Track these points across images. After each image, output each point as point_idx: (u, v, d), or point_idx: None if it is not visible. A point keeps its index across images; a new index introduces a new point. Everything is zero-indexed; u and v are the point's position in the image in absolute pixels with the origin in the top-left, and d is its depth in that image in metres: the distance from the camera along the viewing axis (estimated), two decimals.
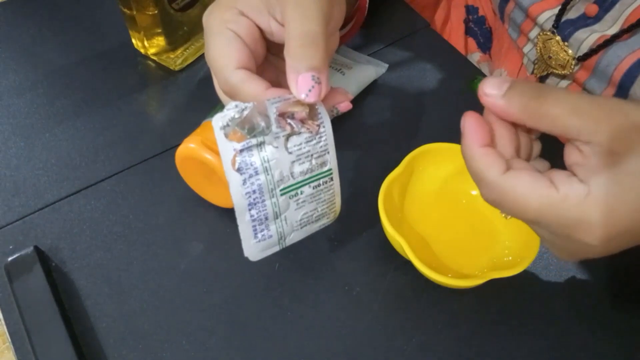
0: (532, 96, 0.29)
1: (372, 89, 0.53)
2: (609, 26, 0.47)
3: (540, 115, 0.28)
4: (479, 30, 0.66)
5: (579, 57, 0.49)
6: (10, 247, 0.42)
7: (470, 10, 0.66)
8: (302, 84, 0.31)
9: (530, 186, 0.28)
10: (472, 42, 0.67)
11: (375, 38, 0.57)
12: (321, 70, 0.32)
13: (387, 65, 0.54)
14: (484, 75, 0.32)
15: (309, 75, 0.31)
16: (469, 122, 0.31)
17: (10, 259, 0.40)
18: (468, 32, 0.67)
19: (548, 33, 0.51)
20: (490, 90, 0.30)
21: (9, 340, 0.38)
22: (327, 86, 0.32)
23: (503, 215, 0.34)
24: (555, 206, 0.28)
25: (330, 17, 0.34)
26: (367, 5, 0.49)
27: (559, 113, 0.28)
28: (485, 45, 0.66)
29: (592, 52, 0.48)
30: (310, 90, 0.31)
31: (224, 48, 0.33)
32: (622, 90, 0.47)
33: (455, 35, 0.67)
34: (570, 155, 0.29)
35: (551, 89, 0.29)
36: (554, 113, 0.28)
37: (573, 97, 0.28)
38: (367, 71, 0.52)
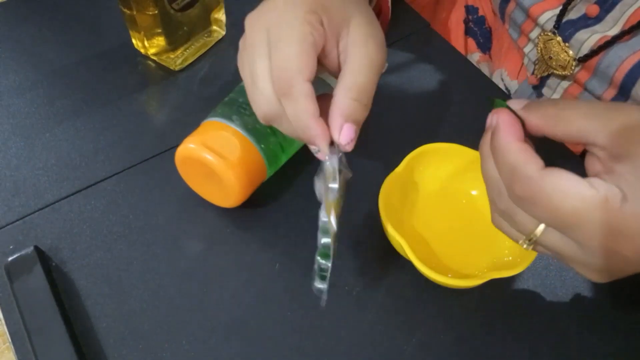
0: (551, 104, 0.30)
1: None
2: (610, 27, 0.47)
3: (558, 118, 0.29)
4: (479, 30, 0.66)
5: (579, 58, 0.49)
6: (10, 247, 0.42)
7: (470, 10, 0.67)
8: (346, 133, 0.33)
9: (572, 184, 0.27)
10: (472, 42, 0.67)
11: None
12: (360, 126, 0.34)
13: (386, 64, 0.54)
14: (502, 98, 0.32)
15: (353, 127, 0.33)
16: (503, 117, 0.30)
17: (10, 259, 0.40)
18: (468, 32, 0.67)
19: (549, 34, 0.51)
20: (514, 106, 0.31)
21: (9, 340, 0.38)
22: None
23: (523, 245, 0.31)
24: (597, 207, 0.26)
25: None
26: (390, 7, 0.50)
27: (574, 116, 0.29)
28: (485, 45, 0.66)
29: (593, 53, 0.47)
30: (351, 140, 0.33)
31: (303, 53, 0.33)
32: (624, 91, 0.47)
33: (455, 35, 0.67)
34: (591, 165, 0.30)
35: (569, 100, 0.31)
36: (570, 116, 0.29)
37: (587, 103, 0.29)
38: None
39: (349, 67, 0.34)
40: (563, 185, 0.27)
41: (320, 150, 0.34)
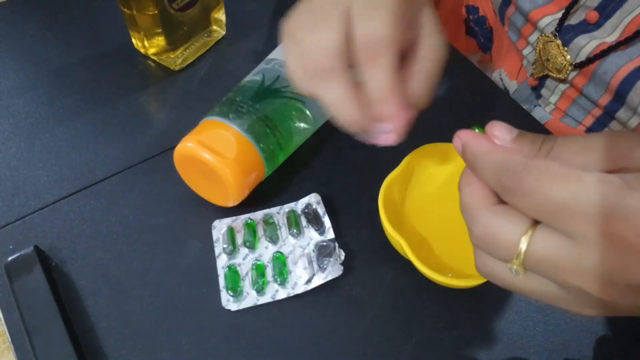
0: (547, 137, 0.26)
1: None
2: (609, 33, 0.47)
3: (556, 151, 0.25)
4: (480, 30, 0.66)
5: (576, 63, 0.49)
6: (10, 247, 0.42)
7: (470, 10, 0.66)
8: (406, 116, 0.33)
9: (563, 167, 0.23)
10: (472, 42, 0.67)
11: None
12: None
13: None
14: (481, 126, 0.29)
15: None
16: (471, 134, 0.28)
17: (10, 258, 0.40)
18: (468, 32, 0.67)
19: (549, 35, 0.51)
20: (500, 131, 0.27)
21: (9, 340, 0.38)
22: None
23: (514, 272, 0.26)
24: (593, 187, 0.22)
25: None
26: None
27: (574, 149, 0.25)
28: (486, 45, 0.66)
29: (589, 60, 0.48)
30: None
31: (397, 22, 0.30)
32: (619, 98, 0.47)
33: (455, 35, 0.67)
34: None
35: (565, 136, 0.26)
36: (570, 149, 0.25)
37: (586, 137, 0.25)
38: None
39: (430, 54, 0.31)
40: (554, 168, 0.23)
41: (393, 131, 0.31)
